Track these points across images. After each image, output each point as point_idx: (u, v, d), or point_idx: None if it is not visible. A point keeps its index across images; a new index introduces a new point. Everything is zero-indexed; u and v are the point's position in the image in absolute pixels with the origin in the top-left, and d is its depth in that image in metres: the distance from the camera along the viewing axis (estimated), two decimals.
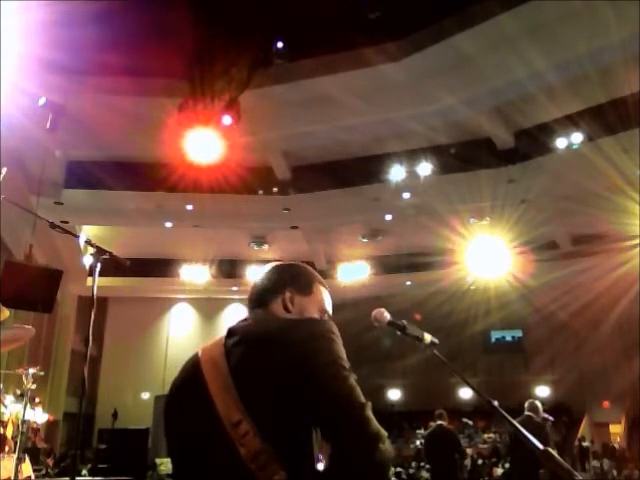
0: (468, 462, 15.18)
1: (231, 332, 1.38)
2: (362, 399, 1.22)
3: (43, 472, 11.42)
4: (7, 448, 5.40)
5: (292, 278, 1.50)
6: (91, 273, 3.23)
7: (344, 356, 1.27)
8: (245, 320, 1.44)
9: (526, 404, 6.27)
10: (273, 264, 1.57)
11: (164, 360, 20.27)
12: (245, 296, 1.54)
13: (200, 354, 1.38)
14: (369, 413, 1.20)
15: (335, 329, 1.31)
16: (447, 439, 7.52)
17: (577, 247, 17.08)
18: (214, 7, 9.88)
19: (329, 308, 1.53)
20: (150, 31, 9.58)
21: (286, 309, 1.44)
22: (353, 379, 1.24)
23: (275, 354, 1.25)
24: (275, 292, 1.46)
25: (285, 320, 1.39)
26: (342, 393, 1.20)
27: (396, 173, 13.90)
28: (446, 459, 7.44)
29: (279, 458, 1.19)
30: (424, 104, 11.89)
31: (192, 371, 1.35)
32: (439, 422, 7.60)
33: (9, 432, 5.88)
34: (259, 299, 1.48)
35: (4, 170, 3.83)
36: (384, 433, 1.19)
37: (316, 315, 1.48)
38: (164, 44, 9.49)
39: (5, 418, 6.17)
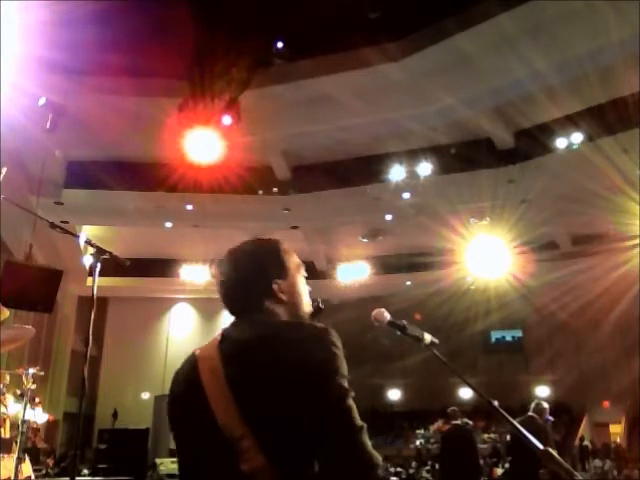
0: None
1: (225, 337, 1.32)
2: (358, 422, 1.17)
3: (43, 472, 11.41)
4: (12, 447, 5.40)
5: (270, 266, 1.42)
6: (91, 273, 3.22)
7: (345, 371, 1.22)
8: (239, 324, 1.37)
9: (532, 404, 6.18)
10: (233, 253, 1.47)
11: (164, 360, 20.26)
12: None
13: (198, 361, 1.31)
14: (364, 438, 1.16)
15: (337, 340, 1.25)
16: (464, 440, 7.20)
17: (577, 247, 17.09)
18: (214, 7, 9.88)
19: (298, 259, 1.51)
20: (150, 31, 9.58)
21: (279, 302, 1.38)
22: (351, 398, 1.19)
23: (275, 368, 1.21)
24: (261, 289, 1.38)
25: (285, 329, 1.32)
26: (338, 415, 1.17)
27: (396, 173, 13.89)
28: (462, 461, 7.09)
29: (282, 476, 1.16)
30: (424, 104, 11.89)
31: (191, 380, 1.30)
32: (453, 422, 7.26)
33: (6, 432, 5.88)
34: (244, 300, 1.39)
35: (4, 170, 3.84)
36: (377, 460, 1.16)
37: (302, 281, 1.47)
38: (164, 44, 9.50)
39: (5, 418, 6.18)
